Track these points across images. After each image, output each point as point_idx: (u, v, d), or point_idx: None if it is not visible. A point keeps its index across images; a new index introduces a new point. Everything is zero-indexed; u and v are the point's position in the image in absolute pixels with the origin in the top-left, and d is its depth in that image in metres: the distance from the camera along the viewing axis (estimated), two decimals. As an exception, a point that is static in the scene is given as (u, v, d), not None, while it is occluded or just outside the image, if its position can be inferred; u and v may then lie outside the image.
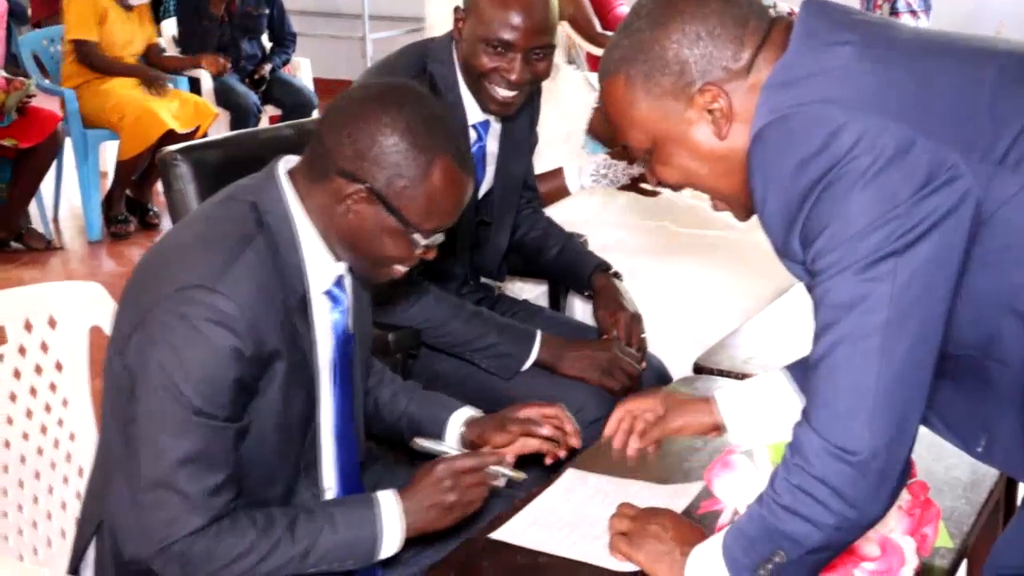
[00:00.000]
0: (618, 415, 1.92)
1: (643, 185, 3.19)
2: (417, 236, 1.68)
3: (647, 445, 1.90)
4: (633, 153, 1.57)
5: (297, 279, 1.69)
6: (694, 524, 1.65)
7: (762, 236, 1.50)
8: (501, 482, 1.81)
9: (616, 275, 2.72)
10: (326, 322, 1.77)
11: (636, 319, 2.59)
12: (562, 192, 3.24)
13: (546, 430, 1.94)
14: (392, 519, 1.71)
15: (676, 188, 1.59)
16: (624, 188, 3.27)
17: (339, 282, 1.78)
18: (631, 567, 1.63)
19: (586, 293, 2.72)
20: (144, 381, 1.60)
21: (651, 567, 1.60)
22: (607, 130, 3.41)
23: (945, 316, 1.38)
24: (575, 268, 2.75)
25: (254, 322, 1.60)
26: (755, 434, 1.82)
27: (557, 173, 3.24)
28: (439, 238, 1.73)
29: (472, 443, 1.98)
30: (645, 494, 1.85)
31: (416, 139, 1.64)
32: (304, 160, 1.73)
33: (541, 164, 3.30)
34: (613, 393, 2.43)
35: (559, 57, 3.40)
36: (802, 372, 1.79)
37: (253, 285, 1.62)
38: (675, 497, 1.84)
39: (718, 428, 1.87)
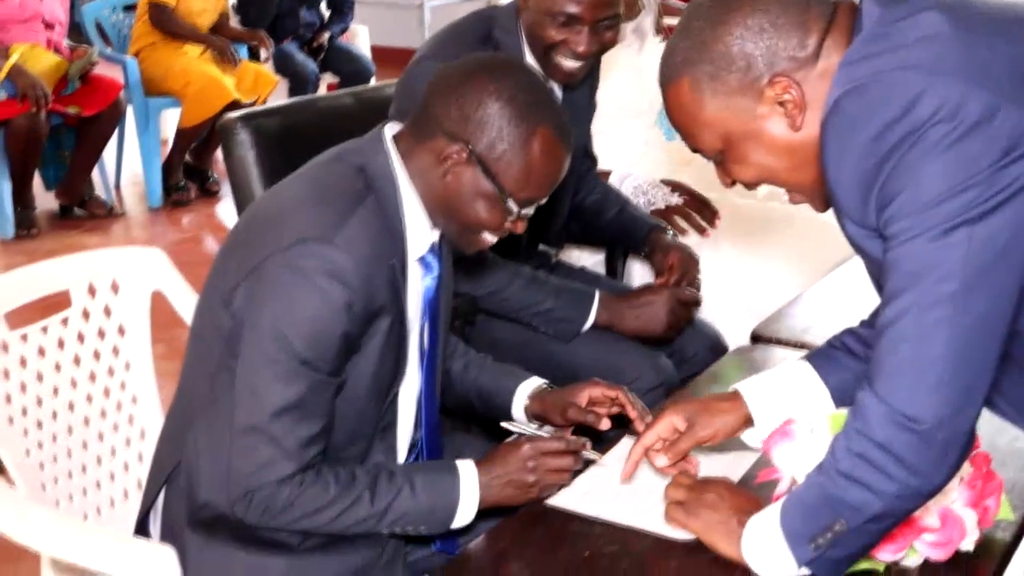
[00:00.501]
0: (635, 456, 1.78)
1: (676, 218, 3.16)
2: (511, 203, 1.69)
3: (676, 459, 1.77)
4: (705, 156, 1.55)
5: (400, 243, 1.72)
6: (750, 493, 1.65)
7: None
8: (580, 464, 1.80)
9: (673, 235, 2.72)
10: (417, 288, 1.79)
11: (692, 258, 2.59)
12: None
13: (605, 424, 1.92)
14: (470, 489, 1.72)
15: (752, 186, 1.56)
16: (656, 213, 3.23)
17: (433, 249, 1.79)
18: (687, 536, 1.63)
19: (643, 253, 2.71)
20: (252, 329, 1.63)
21: (707, 536, 1.60)
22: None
23: (1018, 288, 1.36)
24: (632, 229, 2.74)
25: (367, 278, 1.63)
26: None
27: (603, 175, 3.23)
28: (530, 210, 1.74)
29: (534, 416, 1.99)
30: (701, 462, 1.84)
31: (520, 107, 1.66)
32: (409, 123, 1.76)
33: (609, 134, 3.29)
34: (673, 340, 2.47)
35: (648, 27, 3.39)
36: (825, 361, 1.77)
37: (367, 242, 1.65)
38: (732, 465, 1.83)
39: (749, 422, 1.78)
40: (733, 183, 1.57)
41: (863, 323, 1.80)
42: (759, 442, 1.78)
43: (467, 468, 1.74)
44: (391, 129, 1.77)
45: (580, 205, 2.76)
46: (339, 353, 1.64)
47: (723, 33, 1.45)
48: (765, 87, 1.45)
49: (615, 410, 1.92)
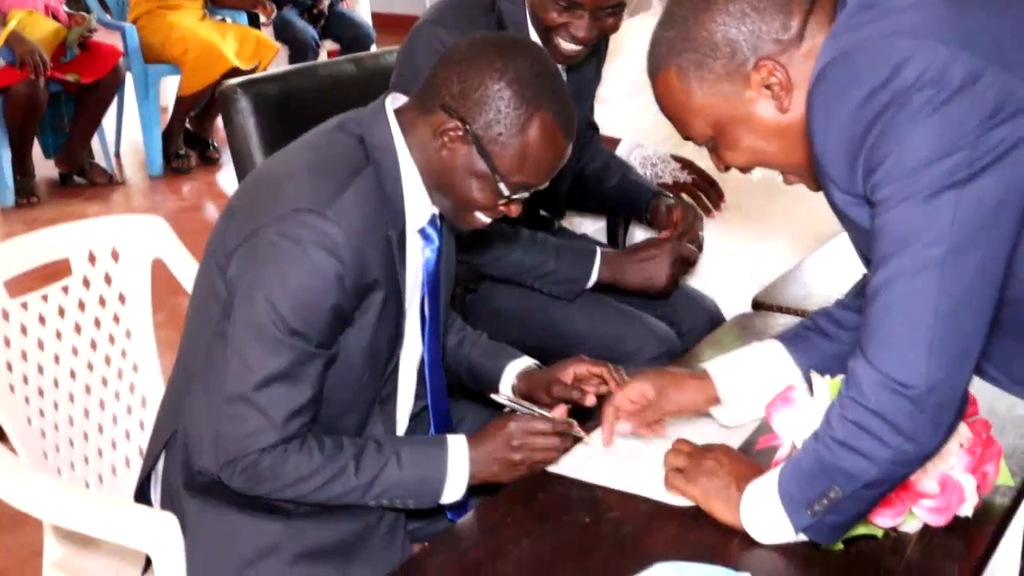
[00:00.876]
0: (607, 417, 1.82)
1: (683, 195, 3.16)
2: (503, 186, 1.68)
3: (641, 428, 1.82)
4: (697, 142, 1.55)
5: (399, 214, 1.71)
6: (750, 460, 1.65)
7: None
8: (567, 444, 1.79)
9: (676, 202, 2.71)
10: (417, 260, 1.79)
11: (695, 214, 2.59)
12: None
13: (590, 400, 1.92)
14: (460, 464, 1.72)
15: (746, 170, 1.57)
16: (662, 186, 3.22)
17: (433, 221, 1.79)
18: (687, 502, 1.63)
19: (645, 219, 2.71)
20: (244, 296, 1.63)
21: (706, 502, 1.60)
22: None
23: (1008, 251, 1.36)
24: (634, 196, 2.73)
25: (359, 251, 1.63)
26: (752, 408, 1.80)
27: (612, 142, 3.23)
28: (524, 195, 1.73)
29: (521, 395, 1.99)
30: (702, 429, 1.84)
31: (522, 90, 1.65)
32: (414, 96, 1.75)
33: (624, 102, 3.29)
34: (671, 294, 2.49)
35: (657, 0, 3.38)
36: (797, 341, 1.78)
37: (360, 215, 1.65)
38: (732, 432, 1.83)
39: (716, 400, 1.82)
40: (727, 168, 1.57)
41: (839, 303, 1.81)
42: (728, 420, 1.82)
43: (457, 442, 1.74)
44: (394, 100, 1.77)
45: (582, 173, 2.76)
46: (329, 325, 1.64)
47: (706, 20, 1.45)
48: (751, 72, 1.45)
49: (603, 389, 1.90)
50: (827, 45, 1.41)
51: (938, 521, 1.55)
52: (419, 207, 1.75)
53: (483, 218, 1.75)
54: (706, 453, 1.65)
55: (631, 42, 3.21)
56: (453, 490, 1.73)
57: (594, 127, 2.84)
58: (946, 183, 1.31)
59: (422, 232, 1.78)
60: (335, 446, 1.69)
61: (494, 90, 1.64)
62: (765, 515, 1.52)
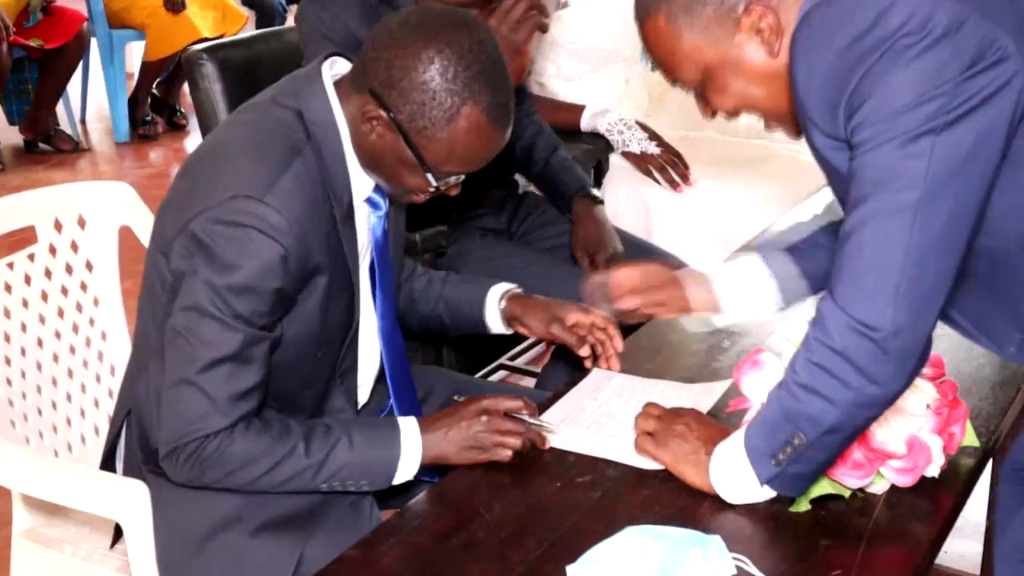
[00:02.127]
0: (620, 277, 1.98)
1: (650, 168, 3.16)
2: (430, 177, 1.65)
3: (639, 307, 1.96)
4: (685, 88, 1.55)
5: (343, 188, 1.68)
6: (719, 424, 1.66)
7: (798, 146, 1.48)
8: (529, 436, 1.73)
9: (598, 200, 2.66)
10: (365, 227, 1.77)
11: (615, 259, 2.51)
12: (571, 126, 3.22)
13: (584, 351, 1.93)
14: (412, 442, 1.70)
15: (733, 115, 1.57)
16: (628, 156, 3.22)
17: (378, 187, 1.77)
18: (656, 465, 1.64)
19: (567, 218, 2.66)
20: (188, 283, 1.59)
21: (676, 467, 1.61)
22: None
23: (981, 200, 1.36)
24: (557, 187, 2.68)
25: (301, 235, 1.59)
26: (742, 313, 1.92)
27: (576, 109, 3.22)
28: (458, 179, 1.69)
29: (512, 318, 1.98)
30: (671, 393, 1.86)
31: (449, 82, 1.57)
32: (351, 69, 1.70)
33: (592, 78, 3.28)
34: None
35: None
36: (800, 252, 1.86)
37: (300, 197, 1.60)
38: (701, 396, 1.84)
39: (716, 307, 1.93)
40: (714, 114, 1.57)
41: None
42: (722, 323, 1.95)
43: (408, 422, 1.71)
44: (330, 67, 1.70)
45: (510, 149, 2.70)
46: (273, 308, 1.61)
47: None
48: (741, 15, 1.45)
49: (600, 339, 1.91)
50: None
51: (905, 482, 1.56)
52: (364, 178, 1.71)
53: (420, 197, 1.72)
54: (676, 418, 1.66)
55: (587, 23, 3.22)
56: (406, 470, 1.70)
57: (523, 92, 2.70)
58: (923, 129, 1.31)
59: (369, 200, 1.75)
60: (283, 428, 1.65)
61: (418, 82, 1.57)
62: (733, 473, 1.53)
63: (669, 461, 1.62)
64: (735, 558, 1.42)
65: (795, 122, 1.51)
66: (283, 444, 1.64)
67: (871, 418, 1.46)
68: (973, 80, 1.31)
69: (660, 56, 1.53)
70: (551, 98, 3.28)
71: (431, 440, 1.70)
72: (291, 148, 1.63)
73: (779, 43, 1.45)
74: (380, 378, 1.94)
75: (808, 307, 2.06)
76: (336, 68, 1.72)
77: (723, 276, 1.92)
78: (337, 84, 1.69)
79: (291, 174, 1.60)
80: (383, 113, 1.60)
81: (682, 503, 1.57)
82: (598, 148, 3.21)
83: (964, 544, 2.39)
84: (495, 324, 2.01)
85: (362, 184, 1.71)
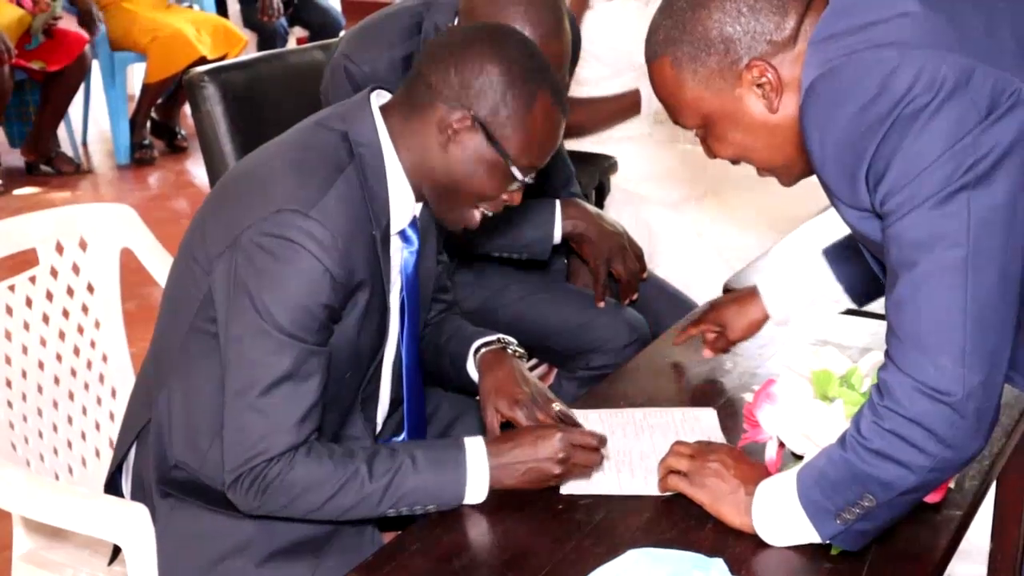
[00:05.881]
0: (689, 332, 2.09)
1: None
2: (515, 170, 1.68)
3: (714, 354, 2.06)
4: (686, 129, 1.56)
5: (382, 211, 1.69)
6: (753, 460, 1.62)
7: None
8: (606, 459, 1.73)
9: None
10: (397, 260, 1.78)
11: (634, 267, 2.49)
12: (633, 110, 3.29)
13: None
14: (479, 463, 1.65)
15: (733, 162, 1.58)
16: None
17: (413, 223, 1.78)
18: (653, 490, 1.63)
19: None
20: (237, 302, 1.60)
21: (714, 506, 1.57)
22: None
23: None
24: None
25: (345, 250, 1.60)
26: (797, 314, 1.98)
27: (634, 93, 3.24)
28: (530, 179, 1.72)
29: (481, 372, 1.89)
30: (654, 420, 1.85)
31: (520, 73, 1.65)
32: (401, 95, 1.72)
33: (607, 84, 3.30)
34: None
35: None
36: (839, 255, 1.90)
37: (345, 214, 1.62)
38: (689, 422, 1.84)
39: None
40: (715, 157, 1.58)
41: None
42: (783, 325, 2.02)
43: (474, 443, 1.68)
44: (378, 97, 1.75)
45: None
46: (324, 324, 1.61)
47: (703, 15, 1.46)
48: (743, 70, 1.46)
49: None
50: (811, 53, 1.41)
51: (934, 497, 1.56)
52: (402, 207, 1.73)
53: (478, 216, 1.74)
54: (708, 454, 1.61)
55: (609, 28, 3.22)
56: (475, 491, 1.65)
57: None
58: (956, 185, 1.31)
59: (402, 234, 1.76)
60: (345, 452, 1.64)
61: (496, 75, 1.64)
62: (781, 520, 1.50)
63: (707, 501, 1.58)
64: (738, 581, 1.41)
65: (787, 173, 1.54)
66: (346, 468, 1.62)
67: (946, 479, 1.45)
68: (993, 128, 1.30)
69: (664, 98, 1.55)
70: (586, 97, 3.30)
71: (506, 469, 1.66)
72: (335, 167, 1.65)
73: (779, 99, 1.46)
74: (390, 410, 1.93)
75: (807, 327, 2.08)
76: (382, 99, 1.75)
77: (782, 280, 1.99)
78: (384, 114, 1.72)
79: (336, 191, 1.63)
80: (466, 113, 1.64)
81: (684, 526, 1.56)
82: (599, 169, 3.21)
83: (969, 568, 2.38)
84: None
85: (400, 213, 1.73)
